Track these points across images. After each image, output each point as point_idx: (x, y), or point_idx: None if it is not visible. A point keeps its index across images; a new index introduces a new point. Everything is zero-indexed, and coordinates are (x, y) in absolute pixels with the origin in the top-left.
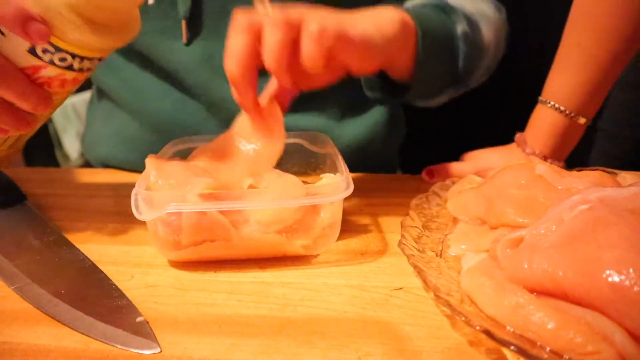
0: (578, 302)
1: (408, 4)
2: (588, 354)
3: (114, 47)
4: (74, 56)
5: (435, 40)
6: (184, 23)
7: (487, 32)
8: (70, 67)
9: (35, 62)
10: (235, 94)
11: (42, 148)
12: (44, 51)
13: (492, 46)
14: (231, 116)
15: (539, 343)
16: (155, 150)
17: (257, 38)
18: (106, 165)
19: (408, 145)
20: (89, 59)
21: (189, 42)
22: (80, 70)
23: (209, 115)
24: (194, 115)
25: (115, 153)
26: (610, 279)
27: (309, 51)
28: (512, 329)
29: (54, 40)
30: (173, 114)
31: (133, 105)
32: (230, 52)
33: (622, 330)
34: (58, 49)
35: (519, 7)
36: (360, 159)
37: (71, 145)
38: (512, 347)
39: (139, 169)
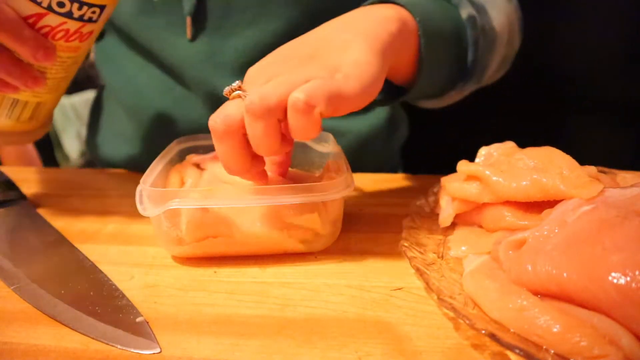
0: (583, 305)
1: None
2: (594, 358)
3: None
4: (71, 1)
5: (438, 32)
6: (188, 19)
7: (497, 15)
8: (69, 15)
9: (34, 8)
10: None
11: (42, 148)
12: None
13: (505, 32)
14: None
15: (544, 347)
16: (157, 148)
17: (241, 133)
18: (110, 165)
19: (410, 145)
20: (89, 6)
21: (193, 39)
22: (81, 18)
23: (209, 110)
24: (195, 110)
25: (119, 152)
26: (616, 282)
27: (299, 127)
28: (516, 332)
29: None
30: (174, 109)
31: (135, 103)
32: (224, 162)
33: (629, 334)
34: None
35: (524, 5)
36: (361, 159)
37: (71, 145)
38: (517, 351)
39: (142, 167)
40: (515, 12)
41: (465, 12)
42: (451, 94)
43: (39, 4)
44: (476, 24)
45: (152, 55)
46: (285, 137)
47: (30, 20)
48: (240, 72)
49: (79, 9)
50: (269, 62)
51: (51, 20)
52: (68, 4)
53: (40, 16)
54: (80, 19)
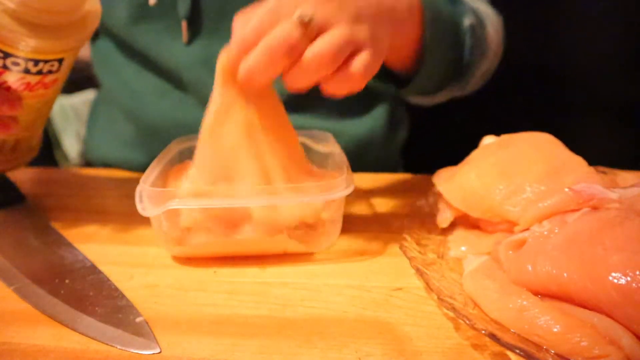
0: (583, 305)
1: None
2: (595, 358)
3: (68, 47)
4: (26, 60)
5: (443, 27)
6: (184, 23)
7: (491, 30)
8: (27, 71)
9: None
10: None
11: (42, 148)
12: None
13: (494, 46)
14: None
15: (544, 347)
16: (155, 152)
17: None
18: (107, 166)
19: (410, 145)
20: (45, 61)
21: (189, 42)
22: (40, 72)
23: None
24: (192, 113)
25: (116, 154)
26: (616, 282)
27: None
28: (516, 332)
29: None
30: (172, 112)
31: (133, 106)
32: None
33: (629, 334)
34: (7, 54)
35: (521, 5)
36: (361, 159)
37: (70, 145)
38: (517, 351)
39: (139, 169)
40: (502, 29)
41: (468, 20)
42: (442, 93)
43: None
44: (475, 33)
45: (148, 60)
46: None
47: None
48: None
49: (35, 65)
50: None
51: (9, 77)
52: (22, 63)
53: None
54: (39, 73)
